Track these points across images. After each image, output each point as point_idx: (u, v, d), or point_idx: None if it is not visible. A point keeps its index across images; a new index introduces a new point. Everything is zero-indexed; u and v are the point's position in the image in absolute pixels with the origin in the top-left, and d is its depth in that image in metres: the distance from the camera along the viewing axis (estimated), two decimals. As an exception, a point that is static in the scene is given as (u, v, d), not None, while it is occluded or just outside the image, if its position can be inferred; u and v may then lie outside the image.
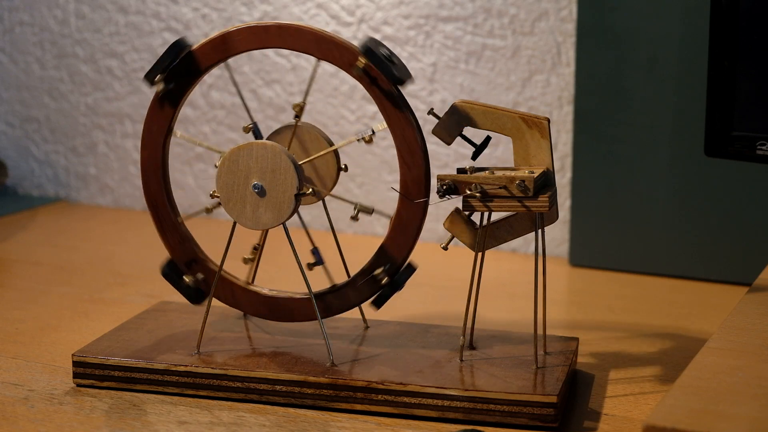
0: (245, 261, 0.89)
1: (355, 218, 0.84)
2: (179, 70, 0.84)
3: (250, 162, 0.81)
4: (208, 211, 0.85)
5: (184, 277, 0.87)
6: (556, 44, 1.22)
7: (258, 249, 0.90)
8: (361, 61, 0.81)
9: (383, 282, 0.84)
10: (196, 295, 0.87)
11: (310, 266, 0.88)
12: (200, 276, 0.87)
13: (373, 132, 0.83)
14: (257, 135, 0.87)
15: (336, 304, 0.86)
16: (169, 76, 0.84)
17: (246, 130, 0.86)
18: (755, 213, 1.13)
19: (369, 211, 0.84)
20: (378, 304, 0.85)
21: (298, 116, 0.85)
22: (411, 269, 0.84)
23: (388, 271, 0.84)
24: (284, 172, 0.81)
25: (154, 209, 0.87)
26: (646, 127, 1.15)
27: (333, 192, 0.87)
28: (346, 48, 0.82)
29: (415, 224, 0.83)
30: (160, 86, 0.84)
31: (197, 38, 1.37)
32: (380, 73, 0.81)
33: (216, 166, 0.83)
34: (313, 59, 1.32)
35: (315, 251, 0.89)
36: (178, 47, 0.83)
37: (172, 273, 0.87)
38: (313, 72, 0.84)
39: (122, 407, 0.81)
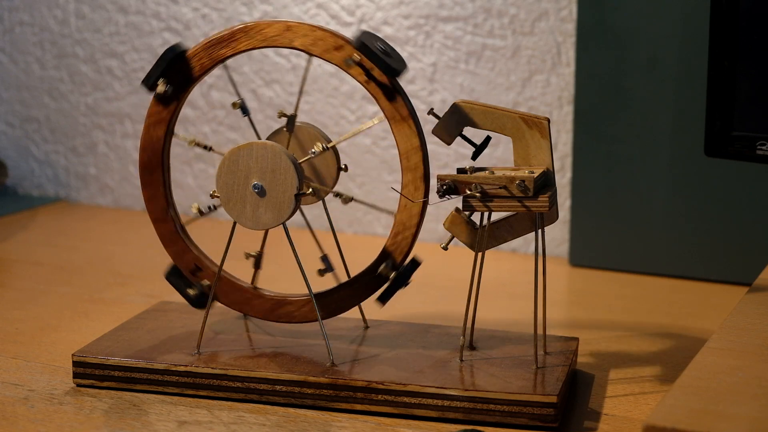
0: (247, 256, 0.89)
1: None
2: (176, 73, 0.84)
3: (250, 162, 0.81)
4: (202, 213, 0.85)
5: (188, 290, 0.87)
6: (556, 44, 1.22)
7: (252, 255, 0.90)
8: (356, 56, 0.81)
9: (389, 277, 0.84)
10: (200, 300, 0.87)
11: (321, 273, 0.88)
12: (206, 282, 0.87)
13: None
14: (245, 111, 0.86)
15: (336, 304, 0.86)
16: (167, 80, 0.84)
17: (235, 106, 0.85)
18: (755, 213, 1.13)
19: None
20: (383, 299, 0.84)
21: (290, 120, 0.85)
22: (415, 264, 0.84)
23: (393, 266, 0.84)
24: (284, 172, 0.81)
25: (155, 219, 0.87)
26: (646, 127, 1.15)
27: (330, 200, 0.88)
28: (338, 41, 0.82)
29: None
30: (162, 87, 0.84)
31: (197, 38, 1.37)
32: (375, 65, 0.81)
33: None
34: (314, 59, 1.32)
35: (325, 258, 0.89)
36: (171, 52, 0.84)
37: (176, 279, 0.87)
38: (306, 68, 0.84)
39: (122, 407, 0.81)
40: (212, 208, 0.85)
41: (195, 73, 0.84)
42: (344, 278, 0.88)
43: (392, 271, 0.84)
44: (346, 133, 1.32)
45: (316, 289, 0.86)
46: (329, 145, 0.83)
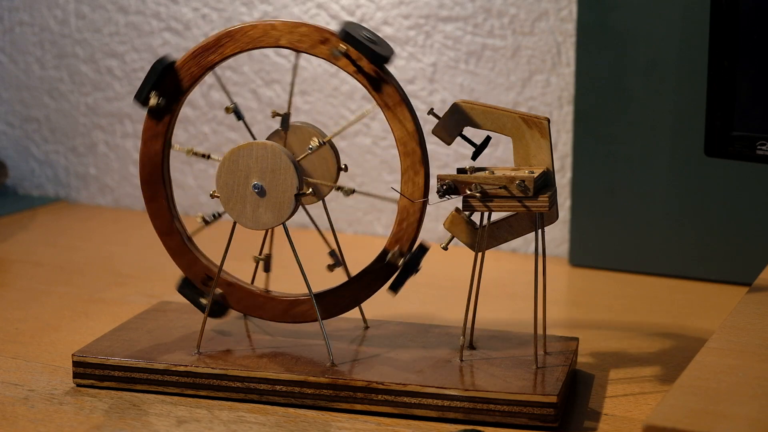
0: (256, 260, 0.89)
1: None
2: (167, 84, 0.84)
3: (250, 162, 0.81)
4: (207, 222, 0.85)
5: (201, 299, 0.87)
6: (556, 44, 1.22)
7: (261, 259, 0.90)
8: (342, 46, 0.81)
9: (399, 264, 0.83)
10: (217, 310, 0.88)
11: (330, 268, 0.88)
12: (218, 291, 0.87)
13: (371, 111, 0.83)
14: (239, 115, 0.86)
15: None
16: (159, 92, 0.84)
17: (228, 110, 0.85)
18: (755, 213, 1.13)
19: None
20: (395, 288, 0.84)
21: (285, 119, 0.85)
22: (423, 249, 0.84)
23: (401, 254, 0.83)
24: (284, 172, 0.81)
25: (161, 232, 0.87)
26: (646, 127, 1.15)
27: (332, 196, 0.87)
28: (321, 33, 0.82)
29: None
30: (154, 100, 0.84)
31: (197, 38, 1.37)
32: (362, 54, 0.80)
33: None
34: (314, 59, 1.32)
35: (333, 253, 0.89)
36: (160, 64, 0.84)
37: (188, 290, 0.88)
38: (295, 64, 0.84)
39: (122, 407, 0.81)
40: (217, 216, 0.85)
41: (185, 83, 0.84)
42: (336, 273, 0.88)
43: (401, 258, 0.83)
44: (346, 133, 1.32)
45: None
46: (325, 140, 0.83)
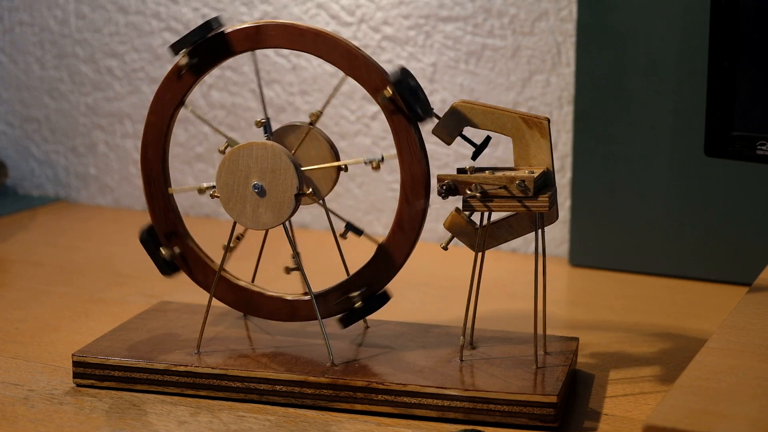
0: (287, 270, 0.88)
1: (343, 236, 0.85)
2: (207, 47, 0.84)
3: (250, 162, 0.81)
4: (232, 247, 0.85)
5: (161, 248, 0.87)
6: (556, 44, 1.22)
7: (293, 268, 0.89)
8: (389, 91, 0.81)
9: (356, 305, 0.84)
10: (168, 267, 0.88)
11: (345, 234, 0.87)
12: (177, 250, 0.87)
13: (383, 159, 0.83)
14: (268, 130, 0.86)
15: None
16: (195, 51, 0.84)
17: (258, 124, 0.86)
18: (755, 213, 1.13)
19: (358, 232, 0.85)
20: (345, 323, 0.85)
21: (312, 123, 0.85)
22: (385, 297, 0.84)
23: (363, 294, 0.84)
24: (284, 172, 0.81)
25: (147, 177, 0.87)
26: (646, 127, 1.15)
27: (332, 196, 0.87)
28: (376, 72, 0.82)
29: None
30: (185, 60, 0.84)
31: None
32: (404, 107, 0.81)
33: (220, 151, 0.83)
34: (314, 59, 1.32)
35: (349, 225, 0.88)
36: (210, 26, 0.84)
37: (150, 240, 0.88)
38: (338, 85, 0.84)
39: (122, 407, 0.81)
40: (239, 236, 0.85)
41: (227, 52, 0.84)
42: (335, 273, 0.88)
43: (361, 300, 0.84)
44: (346, 133, 1.32)
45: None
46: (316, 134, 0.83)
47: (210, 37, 0.84)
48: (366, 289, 0.84)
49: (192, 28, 0.85)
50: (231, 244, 0.86)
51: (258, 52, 1.33)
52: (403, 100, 0.80)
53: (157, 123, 0.86)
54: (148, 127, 0.86)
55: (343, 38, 0.82)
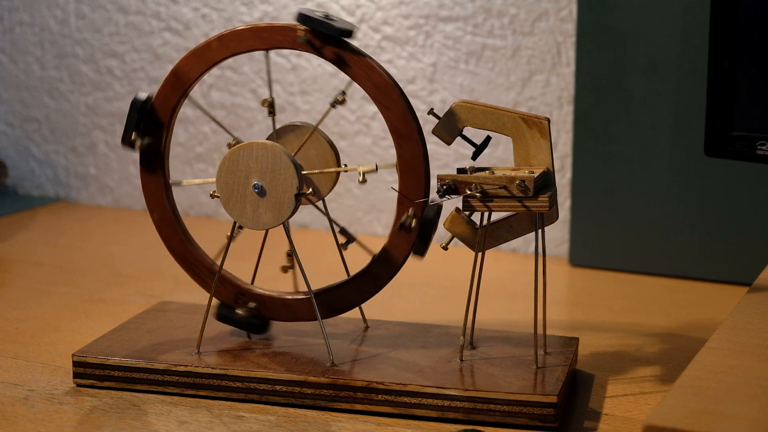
0: (284, 269, 0.89)
1: (344, 246, 0.85)
2: (149, 123, 0.85)
3: (250, 162, 0.81)
4: (286, 270, 0.85)
5: (237, 311, 0.87)
6: (556, 44, 1.22)
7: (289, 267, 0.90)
8: (301, 29, 0.81)
9: (413, 226, 0.83)
10: (258, 325, 0.87)
11: (346, 245, 0.88)
12: (252, 305, 0.87)
13: (344, 93, 0.82)
14: (272, 110, 0.86)
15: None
16: (143, 132, 0.84)
17: (264, 103, 0.86)
18: (755, 213, 1.13)
19: (351, 239, 0.85)
20: (420, 251, 0.83)
21: (271, 112, 0.85)
22: (438, 207, 0.83)
23: (414, 215, 0.83)
24: (284, 172, 0.81)
25: (185, 263, 0.87)
26: (646, 127, 1.15)
27: (332, 196, 0.87)
28: (284, 27, 0.82)
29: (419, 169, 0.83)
30: (139, 143, 0.84)
31: (197, 38, 1.37)
32: (323, 32, 0.80)
33: (229, 146, 0.83)
34: (314, 59, 1.32)
35: (344, 231, 0.88)
36: (138, 103, 0.84)
37: (226, 313, 0.87)
38: (267, 66, 0.84)
39: (122, 407, 0.81)
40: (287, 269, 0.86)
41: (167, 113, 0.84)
42: (335, 274, 0.88)
43: (414, 219, 0.83)
44: (346, 133, 1.32)
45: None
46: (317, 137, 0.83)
47: (145, 112, 0.84)
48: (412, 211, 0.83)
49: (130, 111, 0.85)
50: (227, 241, 0.86)
51: (258, 52, 1.33)
52: (316, 28, 0.80)
53: (162, 215, 0.86)
54: (157, 223, 0.87)
55: (242, 24, 0.82)
